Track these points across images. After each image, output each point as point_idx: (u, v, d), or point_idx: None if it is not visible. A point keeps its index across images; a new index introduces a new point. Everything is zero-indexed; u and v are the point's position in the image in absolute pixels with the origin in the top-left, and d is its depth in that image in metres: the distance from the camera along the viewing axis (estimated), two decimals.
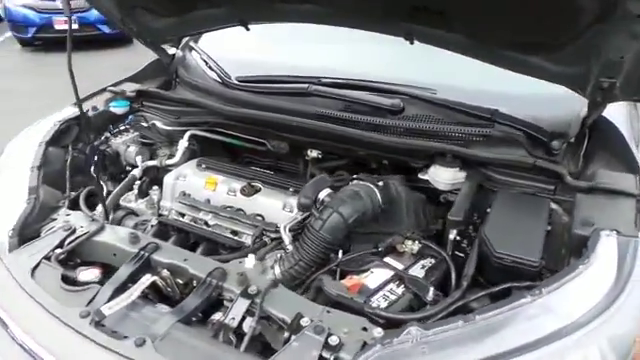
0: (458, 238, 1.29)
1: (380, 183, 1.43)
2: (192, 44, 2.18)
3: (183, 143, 1.88)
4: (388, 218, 1.46)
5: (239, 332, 1.07)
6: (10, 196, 1.46)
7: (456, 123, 1.52)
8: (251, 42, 2.04)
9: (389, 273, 1.22)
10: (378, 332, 1.00)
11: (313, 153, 1.77)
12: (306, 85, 1.71)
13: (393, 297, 1.15)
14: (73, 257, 1.33)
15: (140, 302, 1.15)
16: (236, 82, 1.88)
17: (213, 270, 1.18)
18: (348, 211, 1.32)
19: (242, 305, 1.09)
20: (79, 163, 1.76)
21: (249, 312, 1.08)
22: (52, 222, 1.43)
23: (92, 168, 1.84)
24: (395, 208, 1.46)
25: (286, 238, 1.40)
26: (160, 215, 1.69)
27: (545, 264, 1.15)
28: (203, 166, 1.77)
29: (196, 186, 1.69)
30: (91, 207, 1.58)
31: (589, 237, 1.10)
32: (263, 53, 2.04)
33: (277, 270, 1.32)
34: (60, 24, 7.79)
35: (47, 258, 1.26)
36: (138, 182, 1.78)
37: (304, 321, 1.04)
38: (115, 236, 1.34)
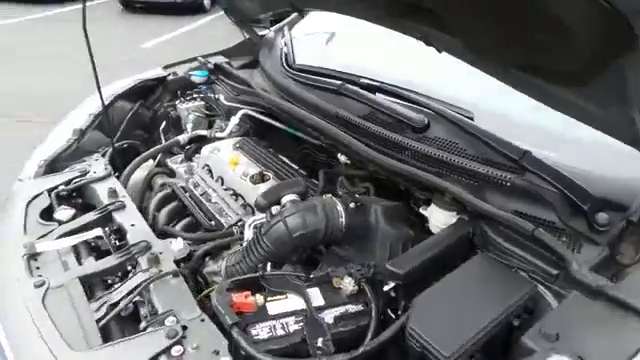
0: (393, 294, 1.04)
1: (352, 205, 1.23)
2: (285, 29, 2.20)
3: (234, 120, 1.93)
4: (360, 245, 1.26)
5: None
6: (65, 134, 1.70)
7: (477, 158, 1.22)
8: (341, 36, 1.96)
9: (301, 305, 1.06)
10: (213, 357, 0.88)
11: (342, 157, 1.63)
12: (340, 83, 1.56)
13: (280, 332, 0.99)
14: (75, 197, 1.50)
15: (81, 249, 1.24)
16: (289, 69, 1.83)
17: (140, 242, 1.20)
18: (295, 223, 1.18)
19: (133, 282, 1.08)
20: (143, 119, 1.97)
21: (136, 292, 1.06)
22: (81, 163, 1.63)
23: (161, 127, 2.04)
24: (369, 236, 1.25)
25: (248, 234, 1.33)
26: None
27: None
28: (237, 145, 1.80)
29: (222, 162, 1.72)
30: (127, 160, 1.75)
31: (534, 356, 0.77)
32: (344, 48, 1.93)
33: (223, 264, 1.28)
34: None
35: (51, 191, 1.45)
36: (187, 148, 1.91)
37: (169, 320, 0.98)
38: (105, 187, 1.45)
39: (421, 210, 1.29)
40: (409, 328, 0.90)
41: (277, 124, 1.86)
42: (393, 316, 1.05)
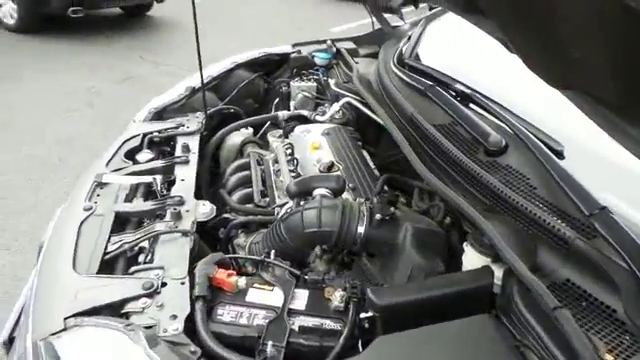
0: (366, 326, 0.89)
1: (378, 216, 1.09)
2: (421, 23, 2.05)
3: (335, 106, 1.89)
4: (383, 263, 1.12)
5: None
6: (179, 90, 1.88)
7: (544, 202, 0.97)
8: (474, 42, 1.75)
9: (280, 303, 0.99)
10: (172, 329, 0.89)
11: None
12: (430, 84, 1.39)
13: (243, 321, 0.95)
14: (165, 144, 1.65)
15: (139, 189, 1.36)
16: (397, 63, 1.70)
17: (176, 196, 1.26)
18: (310, 218, 1.11)
19: (149, 230, 1.15)
20: (256, 90, 2.06)
21: (145, 238, 1.13)
22: (182, 117, 1.78)
23: (274, 102, 2.12)
24: (392, 257, 1.10)
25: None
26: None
27: None
28: (326, 131, 1.76)
29: (305, 144, 1.72)
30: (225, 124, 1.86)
31: None
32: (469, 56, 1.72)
33: (250, 240, 1.28)
34: None
35: (145, 135, 1.62)
36: (285, 124, 1.95)
37: (154, 273, 1.02)
38: (183, 140, 1.57)
39: (464, 245, 1.08)
40: None
41: (376, 118, 1.76)
42: (360, 350, 0.91)
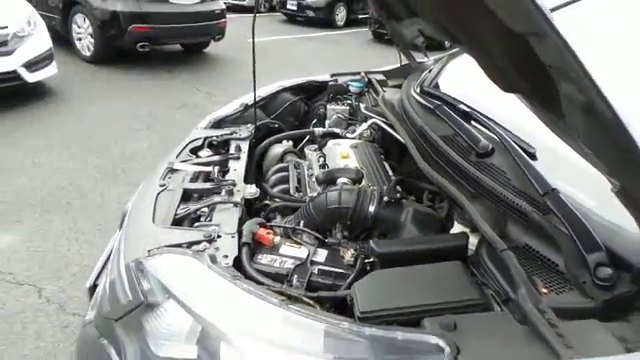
0: (368, 268, 1.18)
1: (386, 198, 1.39)
2: (443, 59, 2.39)
3: (364, 125, 2.22)
4: (388, 237, 1.41)
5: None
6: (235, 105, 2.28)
7: (513, 188, 1.24)
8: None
9: (303, 255, 1.29)
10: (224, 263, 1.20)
11: None
12: (438, 103, 1.71)
13: (276, 265, 1.25)
14: (222, 147, 2.02)
15: (200, 175, 1.72)
16: (416, 89, 2.02)
17: (229, 180, 1.61)
18: (333, 197, 1.42)
19: (208, 200, 1.49)
20: (298, 110, 2.43)
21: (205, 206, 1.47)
22: (236, 127, 2.16)
23: (313, 122, 2.48)
24: (395, 232, 1.39)
25: None
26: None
27: None
28: (354, 145, 2.08)
29: (335, 153, 2.04)
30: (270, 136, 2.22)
31: None
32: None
33: (283, 221, 1.60)
34: None
35: (206, 138, 2.00)
36: (319, 140, 2.29)
37: (212, 228, 1.35)
38: (236, 144, 1.94)
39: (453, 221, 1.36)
40: (354, 286, 1.06)
41: (397, 136, 2.08)
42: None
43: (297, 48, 9.46)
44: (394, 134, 2.08)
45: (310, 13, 12.66)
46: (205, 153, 1.89)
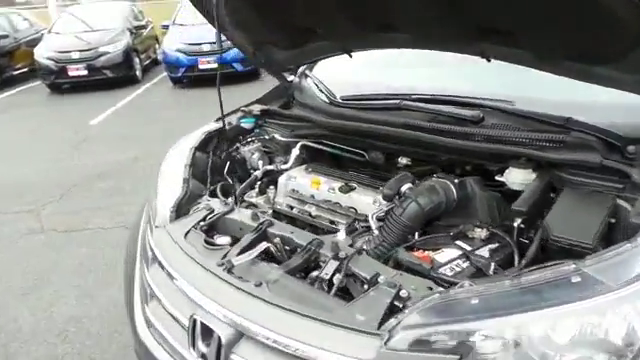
0: (522, 226, 1.46)
1: (456, 180, 1.65)
2: (307, 72, 2.61)
3: (295, 151, 2.27)
4: (464, 212, 1.66)
5: (330, 284, 1.37)
6: (172, 185, 1.95)
7: (532, 130, 1.69)
8: (354, 68, 2.41)
9: (458, 252, 1.44)
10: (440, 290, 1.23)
11: (403, 160, 2.04)
12: (398, 101, 2.00)
13: (458, 269, 1.37)
14: (212, 229, 1.76)
15: (257, 260, 1.51)
16: (340, 100, 2.23)
17: (312, 240, 1.51)
18: (425, 201, 1.57)
19: (333, 265, 1.39)
20: (217, 165, 2.24)
21: (338, 270, 1.38)
22: (197, 205, 1.88)
23: (225, 170, 2.32)
24: (470, 203, 1.66)
25: (373, 224, 1.67)
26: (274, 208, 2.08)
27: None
28: (310, 170, 2.13)
29: (303, 185, 2.05)
30: (225, 196, 2.02)
31: None
32: (363, 77, 2.39)
33: (363, 246, 1.61)
34: (203, 64, 9.49)
35: (194, 227, 1.70)
36: (259, 182, 2.21)
37: (381, 279, 1.31)
38: (241, 215, 1.74)
39: (497, 177, 1.72)
40: (552, 236, 1.31)
41: (329, 150, 2.25)
42: (526, 242, 1.46)
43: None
44: (325, 148, 2.25)
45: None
46: (223, 240, 1.64)
